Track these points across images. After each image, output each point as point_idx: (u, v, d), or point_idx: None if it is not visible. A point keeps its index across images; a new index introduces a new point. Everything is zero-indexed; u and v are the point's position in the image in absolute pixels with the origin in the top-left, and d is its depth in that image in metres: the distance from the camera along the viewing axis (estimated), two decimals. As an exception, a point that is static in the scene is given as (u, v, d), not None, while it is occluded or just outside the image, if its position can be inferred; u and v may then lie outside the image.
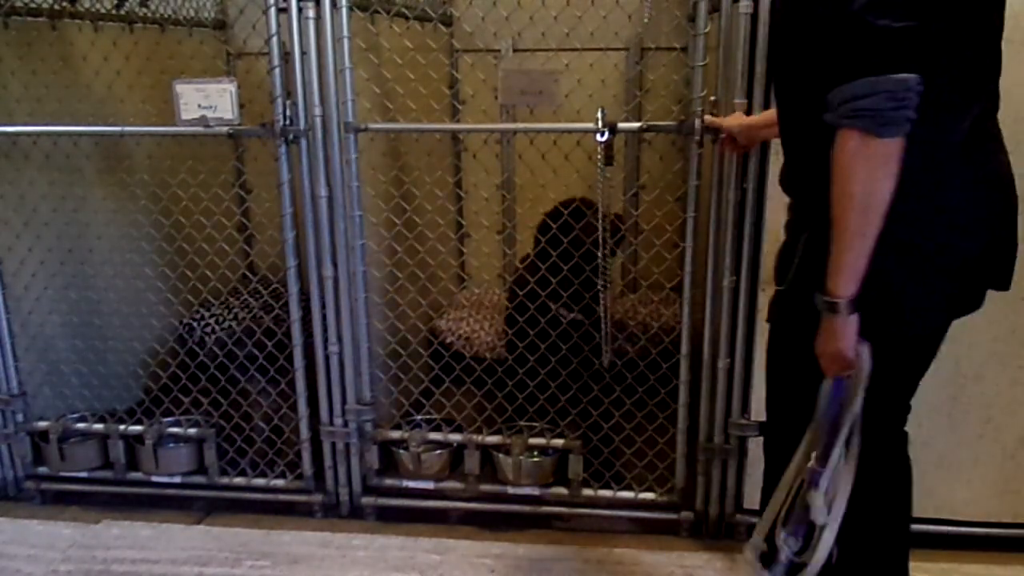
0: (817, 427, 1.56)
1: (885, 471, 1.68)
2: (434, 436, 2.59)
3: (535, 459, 2.56)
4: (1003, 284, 1.55)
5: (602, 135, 2.18)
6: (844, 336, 1.44)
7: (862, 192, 1.32)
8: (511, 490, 2.56)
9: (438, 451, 2.59)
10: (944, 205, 1.43)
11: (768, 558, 1.65)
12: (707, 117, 2.16)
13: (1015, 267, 1.55)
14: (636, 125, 2.31)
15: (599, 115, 2.20)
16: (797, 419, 1.59)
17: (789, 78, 1.53)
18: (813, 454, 1.55)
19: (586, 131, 2.30)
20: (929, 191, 1.41)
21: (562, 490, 2.55)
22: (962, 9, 1.33)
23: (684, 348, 2.39)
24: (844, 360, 1.46)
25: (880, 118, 1.28)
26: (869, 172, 1.31)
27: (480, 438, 2.53)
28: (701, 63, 2.16)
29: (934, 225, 1.43)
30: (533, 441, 2.54)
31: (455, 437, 2.58)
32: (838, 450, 1.51)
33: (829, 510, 1.52)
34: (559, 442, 2.52)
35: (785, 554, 1.60)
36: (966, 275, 1.49)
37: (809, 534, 1.56)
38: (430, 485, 2.61)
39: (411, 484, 2.62)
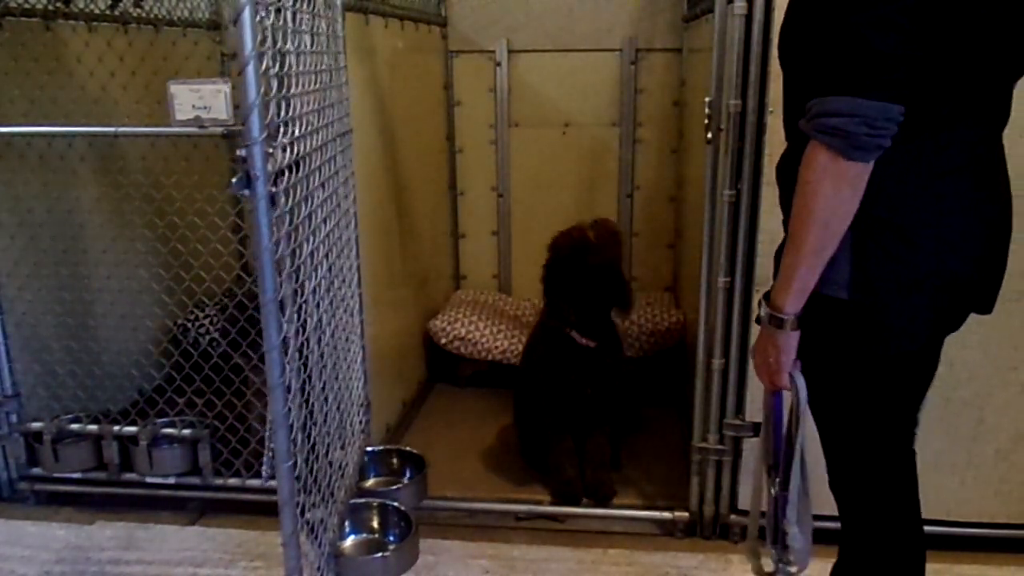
0: (766, 437, 1.61)
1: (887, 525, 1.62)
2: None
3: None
4: (986, 308, 1.51)
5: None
6: (784, 350, 1.41)
7: (825, 210, 1.27)
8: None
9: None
10: (940, 224, 1.37)
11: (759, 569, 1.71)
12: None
13: (999, 292, 1.51)
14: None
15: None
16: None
17: (794, 69, 1.44)
18: (777, 481, 1.58)
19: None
20: (926, 209, 1.36)
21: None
22: (962, 39, 1.27)
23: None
24: (778, 375, 1.44)
25: (853, 141, 1.22)
26: (835, 191, 1.26)
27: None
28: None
29: (929, 243, 1.36)
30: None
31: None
32: (796, 478, 1.51)
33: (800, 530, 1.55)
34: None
35: (776, 563, 1.66)
36: (955, 295, 1.43)
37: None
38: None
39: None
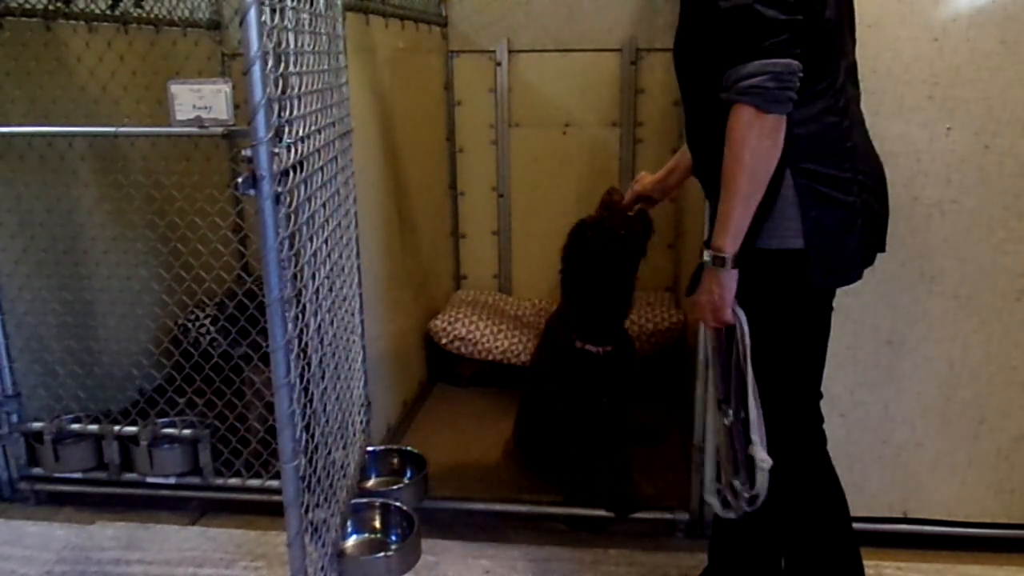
0: (713, 378, 1.80)
1: (804, 475, 1.80)
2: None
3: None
4: (884, 246, 1.76)
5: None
6: (726, 287, 1.61)
7: (752, 160, 1.50)
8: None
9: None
10: (856, 170, 1.62)
11: (726, 501, 1.83)
12: (624, 193, 2.23)
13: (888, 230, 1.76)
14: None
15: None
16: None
17: (693, 70, 1.68)
18: (729, 411, 1.72)
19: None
20: (846, 159, 1.61)
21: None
22: (830, 11, 1.55)
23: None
24: (722, 311, 1.63)
25: (768, 95, 1.46)
26: (759, 142, 1.49)
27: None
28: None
29: (854, 187, 1.62)
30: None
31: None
32: (754, 397, 1.65)
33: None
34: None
35: (741, 493, 1.76)
36: (875, 230, 1.70)
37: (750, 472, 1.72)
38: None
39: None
